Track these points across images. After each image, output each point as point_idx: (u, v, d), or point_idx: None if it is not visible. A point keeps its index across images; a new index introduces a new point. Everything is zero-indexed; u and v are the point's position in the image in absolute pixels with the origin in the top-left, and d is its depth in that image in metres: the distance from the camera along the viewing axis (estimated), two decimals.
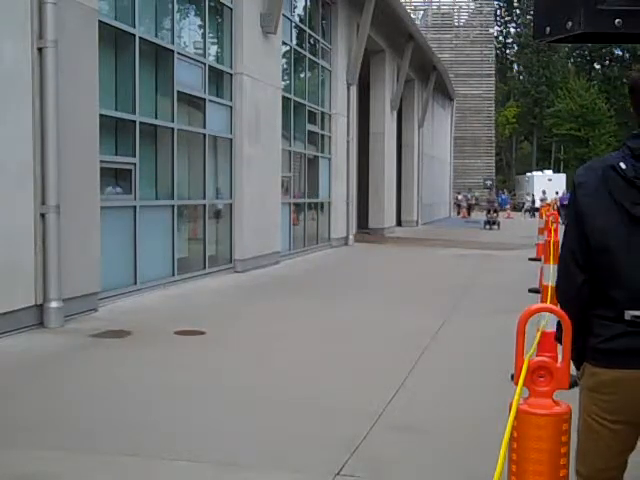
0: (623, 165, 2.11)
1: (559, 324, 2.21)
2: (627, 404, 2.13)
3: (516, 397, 1.78)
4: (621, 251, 2.11)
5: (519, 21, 73.87)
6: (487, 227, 27.55)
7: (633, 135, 2.16)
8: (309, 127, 15.89)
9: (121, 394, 4.90)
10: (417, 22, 35.56)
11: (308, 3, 16.06)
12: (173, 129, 9.87)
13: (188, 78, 10.41)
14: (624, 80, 67.21)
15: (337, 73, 17.28)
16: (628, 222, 2.10)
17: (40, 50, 6.77)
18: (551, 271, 5.98)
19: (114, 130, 8.76)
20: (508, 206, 45.51)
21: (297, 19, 15.50)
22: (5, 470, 3.56)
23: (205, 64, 10.92)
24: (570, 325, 1.94)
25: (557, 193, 40.47)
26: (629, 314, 2.09)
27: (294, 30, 15.20)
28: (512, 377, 2.08)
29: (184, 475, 3.60)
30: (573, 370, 2.08)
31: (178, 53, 10.00)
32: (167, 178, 9.91)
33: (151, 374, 5.46)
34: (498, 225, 27.75)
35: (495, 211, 28.49)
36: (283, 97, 13.72)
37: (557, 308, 2.03)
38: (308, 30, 15.75)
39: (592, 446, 2.21)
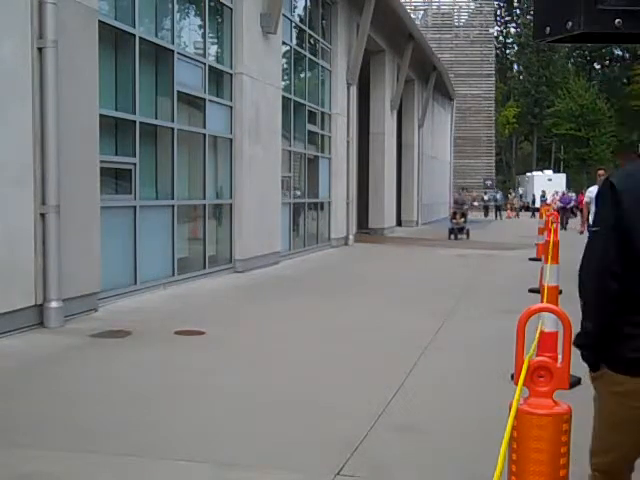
0: None
1: (581, 333, 2.24)
2: None
3: (516, 397, 1.78)
4: None
5: (519, 21, 73.90)
6: (452, 237, 21.20)
7: None
8: (309, 127, 15.89)
9: (121, 394, 4.90)
10: (417, 22, 35.54)
11: (308, 3, 16.06)
12: (173, 129, 9.88)
13: (188, 78, 10.41)
14: (624, 80, 67.27)
15: (337, 73, 17.28)
16: None
17: (40, 50, 6.77)
18: (554, 272, 5.98)
19: (114, 130, 8.76)
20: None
21: (297, 19, 15.50)
22: (5, 470, 3.56)
23: (205, 64, 10.92)
24: (571, 325, 1.93)
25: (557, 193, 40.41)
26: None
27: (294, 30, 15.20)
28: (512, 377, 2.07)
29: (184, 475, 3.60)
30: (573, 370, 2.07)
31: (178, 53, 10.00)
32: (167, 178, 9.91)
33: (151, 374, 5.47)
34: (467, 234, 21.41)
35: (463, 215, 21.73)
36: (283, 97, 13.72)
37: (557, 308, 2.03)
38: (308, 30, 15.76)
39: (618, 441, 2.27)
